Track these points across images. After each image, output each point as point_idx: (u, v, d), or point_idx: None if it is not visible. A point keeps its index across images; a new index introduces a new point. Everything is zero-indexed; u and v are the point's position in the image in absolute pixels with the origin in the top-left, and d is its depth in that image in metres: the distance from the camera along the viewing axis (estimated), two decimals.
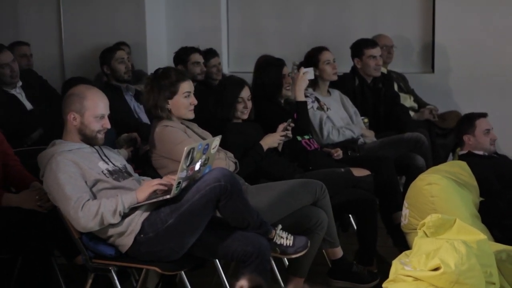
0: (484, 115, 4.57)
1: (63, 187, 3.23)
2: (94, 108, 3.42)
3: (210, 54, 5.95)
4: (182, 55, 5.71)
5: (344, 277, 4.08)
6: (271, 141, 4.24)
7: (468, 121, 4.55)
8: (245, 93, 4.24)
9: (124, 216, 3.25)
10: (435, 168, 4.20)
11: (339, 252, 4.07)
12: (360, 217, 4.36)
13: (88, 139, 3.45)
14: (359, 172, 4.33)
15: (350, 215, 4.86)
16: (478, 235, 3.19)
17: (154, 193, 3.29)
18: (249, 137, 4.22)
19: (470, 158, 4.38)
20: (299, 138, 4.60)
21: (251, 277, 1.72)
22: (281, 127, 4.27)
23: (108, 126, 3.46)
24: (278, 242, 3.42)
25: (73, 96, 3.44)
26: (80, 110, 3.41)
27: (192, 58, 5.68)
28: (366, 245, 4.29)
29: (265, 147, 4.20)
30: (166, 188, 3.27)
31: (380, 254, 4.46)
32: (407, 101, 6.04)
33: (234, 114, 4.23)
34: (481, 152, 4.47)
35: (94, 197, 3.28)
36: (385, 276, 3.25)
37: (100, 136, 3.46)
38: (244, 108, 4.23)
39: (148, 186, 3.28)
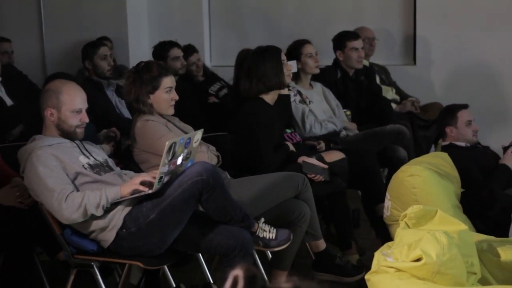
0: (465, 106, 4.58)
1: (45, 180, 3.21)
2: (71, 103, 3.38)
3: (189, 50, 5.85)
4: (161, 50, 5.61)
5: (328, 269, 4.09)
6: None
7: (450, 112, 4.57)
8: (283, 55, 4.33)
9: (106, 211, 3.23)
10: (417, 160, 4.21)
11: (322, 244, 4.07)
12: (331, 205, 4.39)
13: (67, 134, 3.42)
14: (331, 157, 4.33)
15: None
16: (460, 225, 3.19)
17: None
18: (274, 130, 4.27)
19: (452, 150, 4.40)
20: None
21: (247, 266, 1.67)
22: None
23: (86, 120, 3.43)
24: (261, 236, 3.42)
25: (49, 92, 3.41)
26: (57, 105, 3.37)
27: (172, 53, 5.57)
28: (340, 228, 4.34)
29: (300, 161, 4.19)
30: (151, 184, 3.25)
31: (363, 246, 4.48)
32: (389, 93, 6.05)
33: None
34: (463, 144, 4.49)
35: (77, 190, 3.26)
36: (368, 268, 3.26)
37: (79, 130, 3.43)
38: (287, 70, 4.31)
39: (133, 183, 3.26)
